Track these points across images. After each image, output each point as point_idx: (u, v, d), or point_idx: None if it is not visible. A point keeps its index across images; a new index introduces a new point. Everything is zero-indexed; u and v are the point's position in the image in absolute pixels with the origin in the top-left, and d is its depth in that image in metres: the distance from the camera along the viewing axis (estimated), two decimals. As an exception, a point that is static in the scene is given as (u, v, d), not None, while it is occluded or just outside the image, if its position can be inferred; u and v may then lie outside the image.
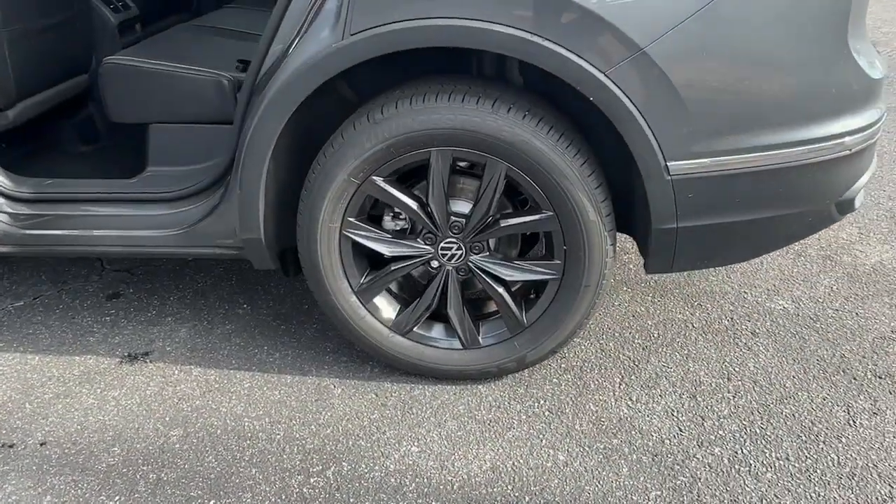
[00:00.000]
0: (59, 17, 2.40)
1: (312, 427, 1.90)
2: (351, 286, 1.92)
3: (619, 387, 2.00)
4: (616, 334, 2.21)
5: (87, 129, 2.66)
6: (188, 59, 2.15)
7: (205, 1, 3.35)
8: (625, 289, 2.44)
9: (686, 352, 2.13)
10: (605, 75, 1.57)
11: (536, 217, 1.78)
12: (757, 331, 2.21)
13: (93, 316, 2.42)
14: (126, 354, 2.22)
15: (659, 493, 1.67)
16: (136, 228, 2.00)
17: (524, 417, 1.90)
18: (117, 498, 1.71)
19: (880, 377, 2.00)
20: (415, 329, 1.96)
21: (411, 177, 1.87)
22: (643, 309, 2.34)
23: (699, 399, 1.95)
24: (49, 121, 2.50)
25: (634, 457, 1.77)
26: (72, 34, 2.48)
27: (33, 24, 2.28)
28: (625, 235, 2.08)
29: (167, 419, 1.95)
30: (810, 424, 1.85)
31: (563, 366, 2.08)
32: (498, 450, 1.81)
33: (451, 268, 1.88)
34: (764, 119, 1.63)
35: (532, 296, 1.95)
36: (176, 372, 2.13)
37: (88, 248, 2.05)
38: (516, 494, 1.68)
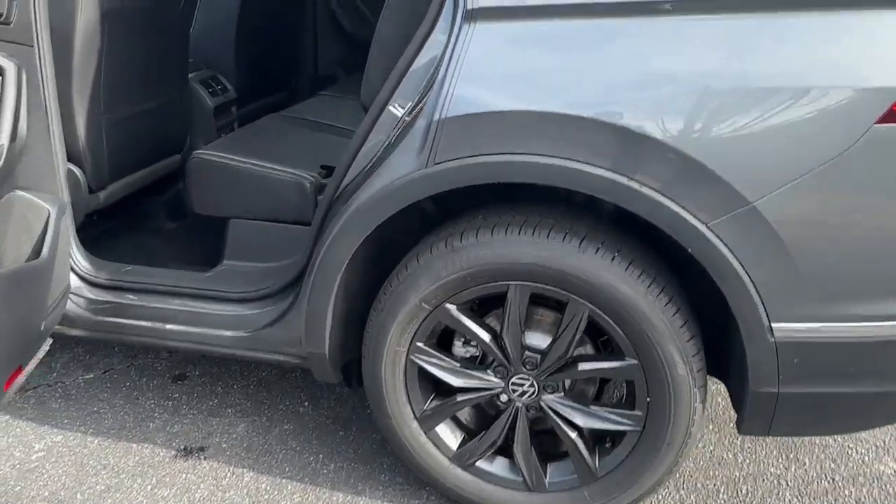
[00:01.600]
0: (160, 100, 2.46)
1: (358, 561, 1.78)
2: (413, 412, 1.81)
3: (699, 554, 1.79)
4: (699, 485, 2.00)
5: (174, 207, 2.70)
6: (273, 156, 2.14)
7: (302, 81, 3.42)
8: (712, 428, 2.23)
9: (778, 517, 1.90)
10: (708, 227, 1.43)
11: (619, 364, 1.64)
12: (862, 499, 1.96)
13: (156, 398, 2.40)
14: (182, 448, 2.17)
15: None
16: (204, 326, 1.97)
17: (589, 579, 1.72)
18: None
19: None
20: (477, 463, 1.83)
21: (486, 302, 1.76)
22: (731, 456, 2.12)
23: (791, 582, 1.72)
24: (138, 198, 2.54)
25: None
26: (169, 116, 2.53)
27: (134, 109, 2.34)
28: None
29: (211, 532, 1.87)
30: None
31: (636, 519, 1.89)
32: None
33: (521, 404, 1.75)
34: (884, 288, 1.44)
35: (608, 444, 1.78)
36: (228, 474, 2.06)
37: (157, 340, 2.03)
38: None
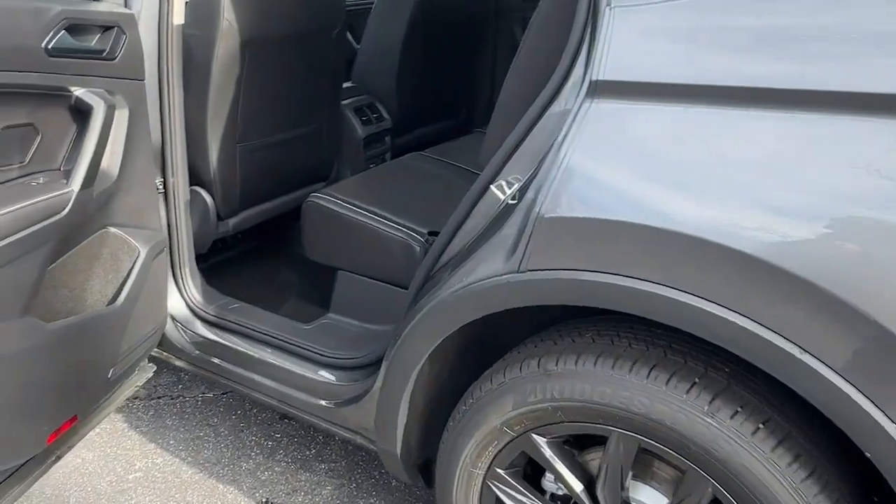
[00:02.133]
0: (303, 129, 2.36)
1: None
2: (486, 544, 1.51)
3: None
4: None
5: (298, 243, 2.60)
6: (393, 207, 1.93)
7: (476, 109, 3.19)
8: None
9: None
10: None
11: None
12: None
13: (258, 436, 2.31)
14: (264, 501, 2.05)
15: None
16: (291, 387, 1.82)
17: None
18: None
19: None
20: None
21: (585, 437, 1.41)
22: None
23: None
24: (269, 227, 2.48)
25: None
26: (313, 145, 2.43)
27: (273, 137, 2.25)
28: None
29: None
30: None
31: None
32: None
33: (614, 570, 1.37)
34: None
35: None
36: (297, 546, 1.90)
37: (245, 388, 1.92)
38: None
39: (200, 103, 2.01)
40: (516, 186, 1.29)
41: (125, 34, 1.52)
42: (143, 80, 1.61)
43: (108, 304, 1.58)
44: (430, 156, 2.38)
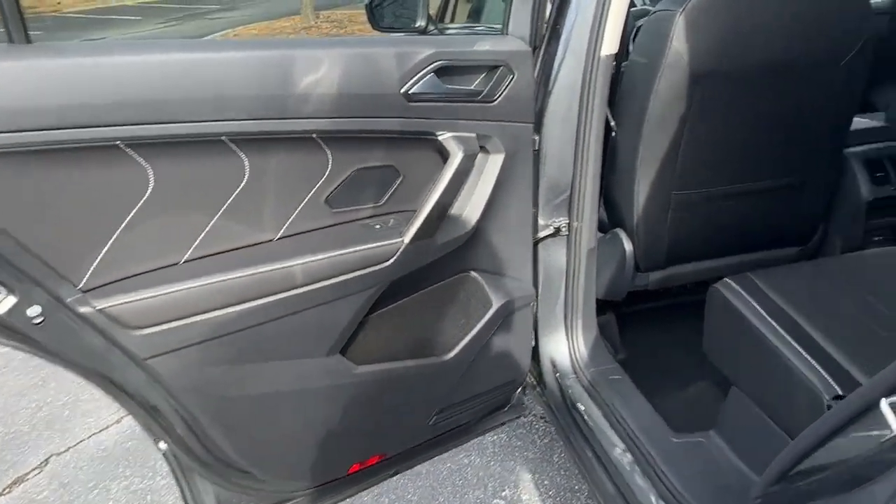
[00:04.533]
0: (777, 182, 1.85)
1: None
2: None
3: None
4: None
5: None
6: (832, 329, 1.34)
7: None
8: None
9: None
10: None
11: None
12: None
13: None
14: None
15: None
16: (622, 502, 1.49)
17: None
18: None
19: None
20: None
21: None
22: None
23: None
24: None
25: None
26: (789, 201, 1.89)
27: (725, 189, 1.82)
28: None
29: None
30: None
31: None
32: None
33: None
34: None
35: None
36: None
37: (583, 469, 1.66)
38: None
39: (632, 140, 1.74)
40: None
41: (513, 74, 1.36)
42: (529, 122, 1.44)
43: (448, 351, 1.52)
44: None
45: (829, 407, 1.19)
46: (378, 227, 1.32)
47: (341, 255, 1.27)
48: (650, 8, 1.76)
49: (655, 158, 1.74)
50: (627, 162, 1.78)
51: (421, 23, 1.76)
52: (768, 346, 1.36)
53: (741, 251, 1.96)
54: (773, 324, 1.39)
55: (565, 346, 1.81)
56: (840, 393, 1.21)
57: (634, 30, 2.26)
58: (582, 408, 1.71)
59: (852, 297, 1.47)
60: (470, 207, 1.41)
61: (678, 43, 1.59)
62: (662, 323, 2.17)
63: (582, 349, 1.80)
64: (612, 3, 1.48)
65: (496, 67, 1.35)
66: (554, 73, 1.54)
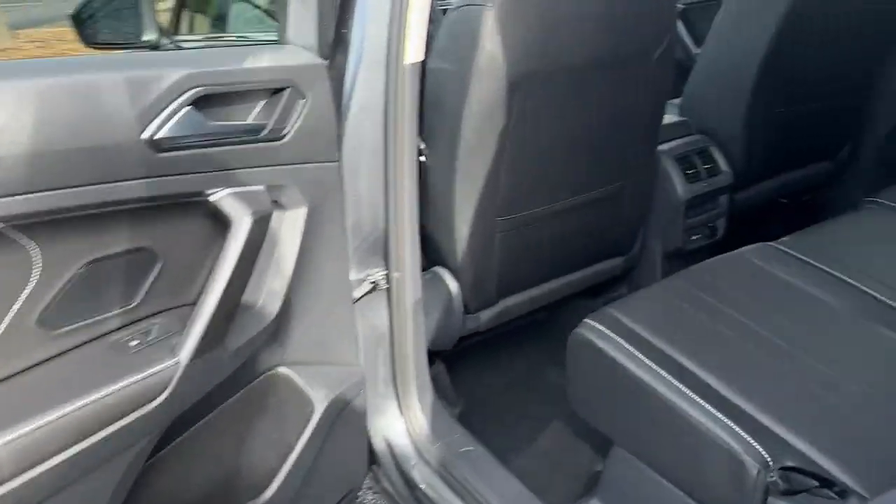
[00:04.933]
0: (602, 191, 1.66)
1: None
2: None
3: None
4: None
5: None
6: (736, 370, 1.15)
7: (864, 149, 2.18)
8: None
9: None
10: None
11: None
12: None
13: None
14: None
15: None
16: None
17: None
18: None
19: None
20: None
21: None
22: None
23: None
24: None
25: None
26: (612, 211, 1.72)
27: (555, 207, 1.60)
28: None
29: None
30: None
31: None
32: None
33: None
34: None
35: None
36: None
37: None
38: None
39: (446, 164, 1.44)
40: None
41: (304, 97, 0.98)
42: (334, 160, 1.07)
43: (262, 490, 1.10)
44: (806, 259, 1.48)
45: (775, 482, 0.97)
46: (135, 343, 0.87)
47: (77, 408, 0.80)
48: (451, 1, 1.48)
49: (475, 181, 1.46)
50: (443, 189, 1.48)
51: (150, 36, 1.32)
52: (652, 394, 1.14)
53: (570, 270, 1.76)
54: (652, 365, 1.17)
55: (401, 424, 1.46)
56: (783, 468, 1.01)
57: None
58: (433, 495, 1.39)
59: (712, 313, 1.30)
60: (270, 288, 1.00)
61: (491, 43, 1.31)
62: (497, 359, 1.92)
63: (421, 423, 1.47)
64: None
65: (280, 91, 0.96)
66: (347, 91, 1.18)
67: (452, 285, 1.59)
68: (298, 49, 1.03)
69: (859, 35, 1.95)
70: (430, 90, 1.42)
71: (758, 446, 1.03)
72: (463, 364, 1.89)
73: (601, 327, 1.28)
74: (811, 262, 1.48)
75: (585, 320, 1.30)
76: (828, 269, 1.46)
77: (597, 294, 1.95)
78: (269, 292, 1.00)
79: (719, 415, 1.09)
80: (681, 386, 1.14)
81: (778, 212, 2.26)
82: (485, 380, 1.89)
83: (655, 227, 1.87)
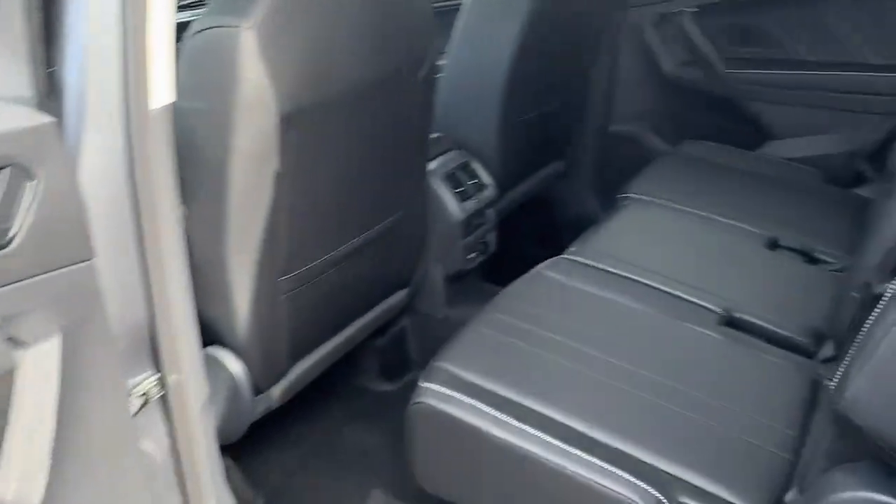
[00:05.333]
0: (383, 225, 1.49)
1: None
2: None
3: None
4: None
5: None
6: (600, 410, 1.06)
7: (586, 143, 2.31)
8: None
9: None
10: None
11: None
12: None
13: None
14: None
15: None
16: None
17: None
18: None
19: None
20: None
21: None
22: None
23: None
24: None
25: None
26: (393, 243, 1.56)
27: (339, 252, 1.39)
28: None
29: None
30: None
31: None
32: None
33: None
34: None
35: None
36: None
37: None
38: None
39: (214, 227, 1.15)
40: None
41: (34, 177, 0.66)
42: (87, 257, 0.75)
43: None
44: (597, 266, 1.47)
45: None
46: None
47: None
48: (190, 19, 1.18)
49: (250, 241, 1.20)
50: (212, 258, 1.18)
51: None
52: (518, 453, 1.01)
53: (361, 314, 1.57)
54: (513, 422, 1.04)
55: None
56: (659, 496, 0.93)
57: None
58: None
59: (534, 341, 1.23)
60: (23, 472, 0.66)
61: (254, 73, 1.06)
62: (286, 433, 1.66)
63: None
64: (153, 8, 0.85)
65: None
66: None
67: (235, 367, 1.30)
68: (8, 104, 0.68)
69: (579, 43, 2.05)
70: (180, 138, 1.11)
71: (647, 487, 0.96)
72: (250, 449, 1.59)
73: (440, 388, 1.12)
74: (603, 267, 1.48)
75: (421, 385, 1.13)
76: (618, 272, 1.47)
77: (383, 332, 1.78)
78: (22, 479, 0.65)
79: (594, 459, 1.00)
80: (546, 437, 1.03)
81: (520, 214, 2.31)
82: (278, 460, 1.62)
83: (434, 251, 1.75)
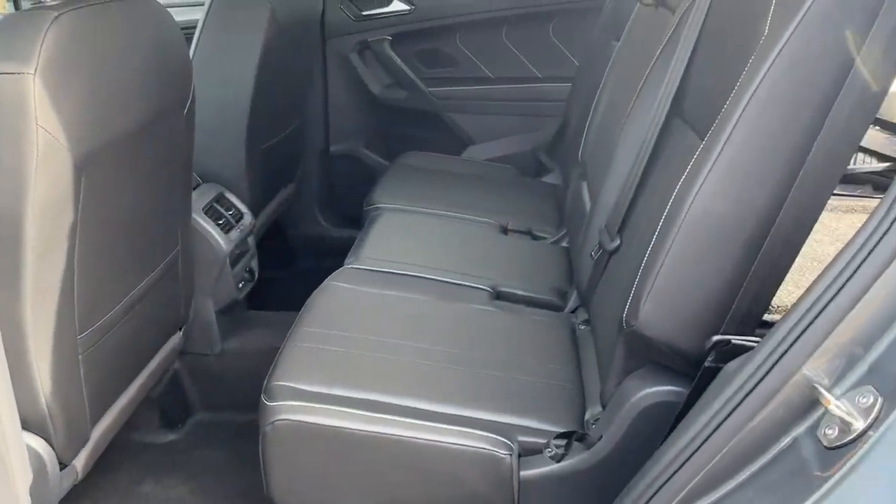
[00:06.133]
0: (164, 264, 1.45)
1: None
2: None
3: None
4: None
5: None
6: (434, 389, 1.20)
7: (307, 163, 2.44)
8: None
9: None
10: None
11: None
12: None
13: None
14: None
15: None
16: None
17: None
18: None
19: None
20: None
21: None
22: None
23: None
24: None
25: None
26: (169, 284, 1.52)
27: (127, 300, 1.33)
28: None
29: None
30: None
31: None
32: None
33: None
34: None
35: None
36: None
37: None
38: None
39: (10, 286, 1.05)
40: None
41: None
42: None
43: None
44: (377, 270, 1.60)
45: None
46: None
47: None
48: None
49: (49, 303, 1.11)
50: (7, 332, 1.07)
51: None
52: (380, 439, 1.13)
53: (147, 362, 1.50)
54: (366, 413, 1.15)
55: None
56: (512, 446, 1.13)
57: None
58: None
59: (353, 345, 1.33)
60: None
61: (46, 120, 1.00)
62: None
63: None
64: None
65: None
66: None
67: (37, 444, 1.18)
68: None
69: (297, 70, 2.17)
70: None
71: (493, 435, 1.14)
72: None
73: (290, 403, 1.17)
74: (382, 270, 1.63)
75: (269, 405, 1.16)
76: (397, 272, 1.63)
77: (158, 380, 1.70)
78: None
79: (443, 425, 1.15)
80: (398, 418, 1.16)
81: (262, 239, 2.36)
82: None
83: (203, 287, 1.73)
